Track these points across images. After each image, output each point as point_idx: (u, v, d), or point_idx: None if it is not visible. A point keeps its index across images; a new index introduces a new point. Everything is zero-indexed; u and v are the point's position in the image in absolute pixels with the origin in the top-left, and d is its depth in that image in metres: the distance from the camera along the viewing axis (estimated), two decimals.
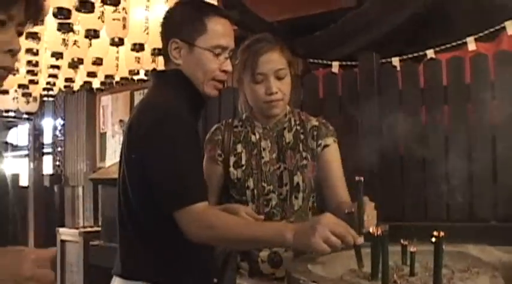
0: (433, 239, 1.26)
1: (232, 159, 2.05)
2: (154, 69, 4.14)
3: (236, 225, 1.63)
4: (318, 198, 2.10)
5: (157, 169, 1.65)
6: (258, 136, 2.07)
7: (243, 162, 2.04)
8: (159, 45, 1.91)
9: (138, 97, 6.80)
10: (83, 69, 4.77)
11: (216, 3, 4.03)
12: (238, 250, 1.98)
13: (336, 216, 1.55)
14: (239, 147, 2.06)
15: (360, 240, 1.46)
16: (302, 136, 2.06)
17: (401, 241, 1.51)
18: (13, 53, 1.12)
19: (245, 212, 1.83)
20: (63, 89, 5.64)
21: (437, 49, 3.73)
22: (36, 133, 8.48)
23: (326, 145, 2.06)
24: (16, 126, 9.49)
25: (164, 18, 1.87)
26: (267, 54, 1.99)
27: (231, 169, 2.03)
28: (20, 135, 9.75)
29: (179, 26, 1.79)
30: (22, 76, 4.64)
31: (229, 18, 1.85)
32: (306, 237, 1.46)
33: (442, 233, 1.26)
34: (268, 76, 1.98)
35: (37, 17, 1.16)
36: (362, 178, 1.58)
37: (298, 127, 2.08)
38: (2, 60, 1.10)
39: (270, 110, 2.03)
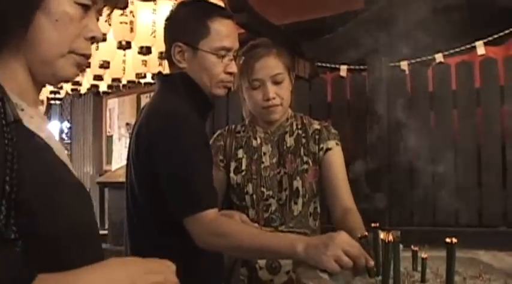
0: (446, 246, 1.23)
1: (233, 165, 2.02)
2: (159, 73, 4.11)
3: (248, 234, 1.57)
4: (322, 203, 2.07)
5: (166, 175, 1.62)
6: (259, 141, 2.03)
7: (243, 167, 2.00)
8: None
9: (145, 100, 6.81)
10: (89, 73, 4.77)
11: (222, 5, 4.04)
12: (243, 258, 1.94)
13: (341, 226, 1.51)
14: (240, 153, 2.03)
15: (372, 263, 1.41)
16: (304, 140, 2.02)
17: (412, 246, 1.49)
18: (95, 40, 1.02)
19: (240, 219, 1.76)
20: (70, 92, 5.65)
21: (446, 53, 3.71)
22: None
23: (328, 149, 2.00)
24: None
25: (166, 21, 1.82)
26: (262, 59, 1.95)
27: (232, 174, 2.00)
28: None
29: (182, 29, 1.75)
30: None
31: (232, 19, 1.80)
32: (317, 253, 1.40)
33: (454, 240, 1.24)
34: (264, 82, 1.94)
35: (115, 2, 1.07)
36: (366, 233, 1.52)
37: (300, 131, 2.04)
38: (84, 47, 1.00)
39: (269, 116, 1.99)
